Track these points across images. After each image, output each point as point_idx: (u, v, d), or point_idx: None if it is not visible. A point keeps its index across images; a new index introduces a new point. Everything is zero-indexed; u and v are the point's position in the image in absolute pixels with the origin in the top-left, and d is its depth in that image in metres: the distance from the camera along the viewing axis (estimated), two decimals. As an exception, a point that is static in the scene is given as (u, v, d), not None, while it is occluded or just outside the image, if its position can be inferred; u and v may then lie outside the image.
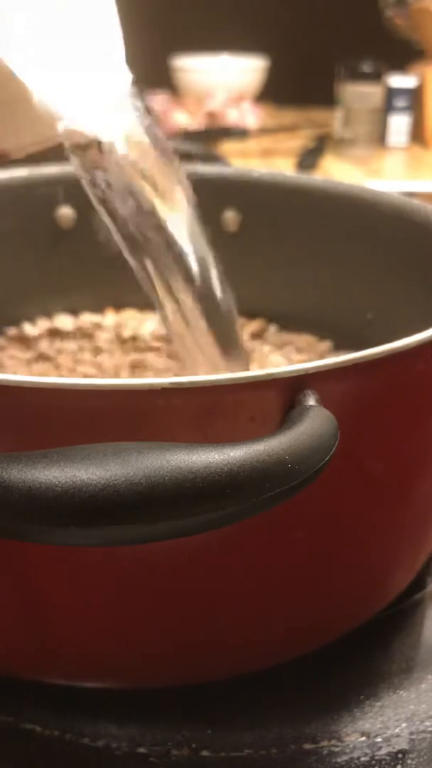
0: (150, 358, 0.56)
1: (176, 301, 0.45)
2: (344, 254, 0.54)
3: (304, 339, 0.57)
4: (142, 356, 0.56)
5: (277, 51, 1.57)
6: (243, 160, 1.26)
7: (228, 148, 1.31)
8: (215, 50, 1.56)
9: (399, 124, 1.38)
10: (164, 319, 0.46)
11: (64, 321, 0.59)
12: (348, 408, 0.31)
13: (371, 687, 0.39)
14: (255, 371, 0.28)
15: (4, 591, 0.34)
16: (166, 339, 0.55)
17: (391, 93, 1.35)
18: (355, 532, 0.35)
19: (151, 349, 0.57)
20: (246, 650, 0.37)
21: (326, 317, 0.56)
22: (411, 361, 0.32)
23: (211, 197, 0.56)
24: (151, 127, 0.41)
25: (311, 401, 0.28)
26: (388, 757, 0.35)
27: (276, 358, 0.56)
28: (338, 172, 1.27)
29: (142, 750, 0.35)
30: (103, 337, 0.57)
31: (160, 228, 0.43)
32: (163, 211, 0.43)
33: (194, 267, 0.44)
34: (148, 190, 0.42)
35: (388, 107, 1.36)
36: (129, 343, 0.57)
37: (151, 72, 1.41)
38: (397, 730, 0.36)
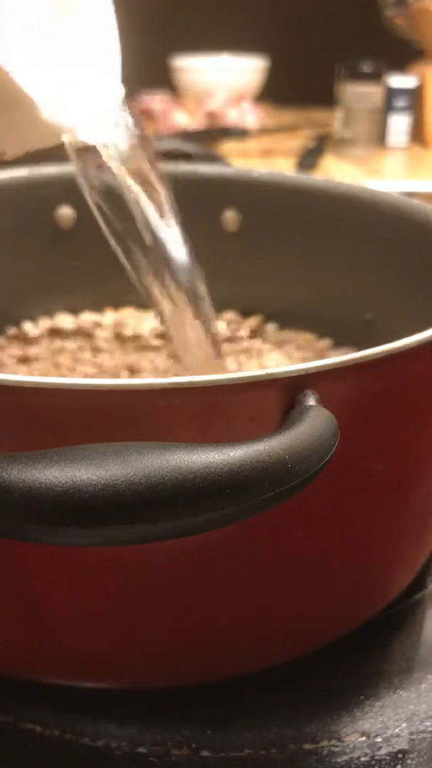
0: (150, 357, 0.56)
1: (171, 300, 0.45)
2: (344, 254, 0.54)
3: (304, 337, 0.57)
4: (142, 355, 0.56)
5: (277, 51, 1.57)
6: (243, 160, 1.26)
7: (228, 148, 1.31)
8: (215, 50, 1.55)
9: (399, 124, 1.38)
10: (161, 318, 0.47)
11: (65, 320, 0.59)
12: (348, 408, 0.31)
13: (371, 687, 0.39)
14: (255, 371, 0.28)
15: (4, 591, 0.34)
16: (166, 338, 0.55)
17: (391, 93, 1.35)
18: (355, 532, 0.35)
19: (151, 348, 0.57)
20: (246, 650, 0.37)
21: (326, 317, 0.56)
22: (411, 361, 0.32)
23: (211, 197, 0.56)
24: (141, 134, 0.42)
25: (311, 401, 0.28)
26: (388, 757, 0.35)
27: (275, 356, 0.56)
28: (338, 172, 1.27)
29: (142, 750, 0.35)
30: (103, 337, 0.57)
31: (153, 231, 0.44)
32: (154, 214, 0.43)
33: (182, 269, 0.45)
34: (140, 195, 0.42)
35: (388, 107, 1.36)
36: (129, 342, 0.57)
37: (151, 72, 1.42)
38: (397, 730, 0.36)
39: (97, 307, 0.60)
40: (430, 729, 0.37)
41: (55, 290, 0.59)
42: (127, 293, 0.57)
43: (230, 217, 0.57)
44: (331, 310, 0.55)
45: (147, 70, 1.25)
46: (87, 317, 0.59)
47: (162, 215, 0.44)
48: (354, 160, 1.33)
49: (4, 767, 0.35)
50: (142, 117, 1.40)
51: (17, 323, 0.58)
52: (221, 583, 0.34)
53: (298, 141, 1.41)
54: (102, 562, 0.32)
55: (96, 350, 0.56)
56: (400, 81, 1.36)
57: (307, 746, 0.36)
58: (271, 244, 0.57)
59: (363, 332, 0.53)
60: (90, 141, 0.40)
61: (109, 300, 0.60)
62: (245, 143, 1.36)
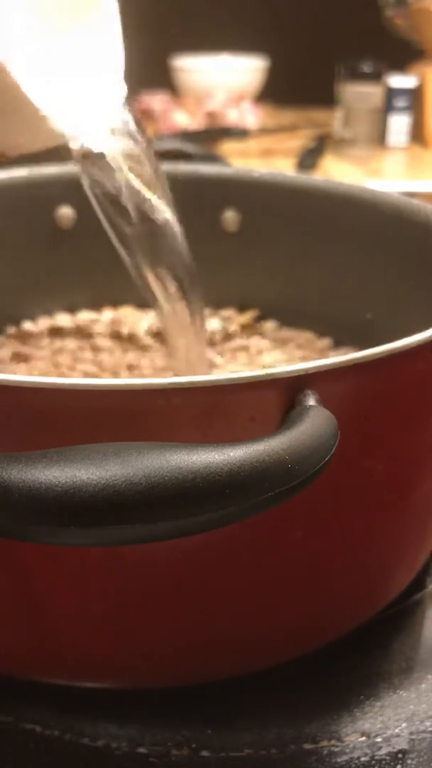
0: (149, 356, 0.56)
1: (169, 299, 0.46)
2: (344, 254, 0.54)
3: (304, 336, 0.57)
4: (142, 354, 0.56)
5: (277, 51, 1.57)
6: (243, 160, 1.26)
7: (228, 148, 1.31)
8: (215, 50, 1.55)
9: (399, 124, 1.38)
10: (160, 316, 0.47)
11: (64, 319, 0.59)
12: (348, 408, 0.31)
13: (371, 687, 0.39)
14: (255, 371, 0.28)
15: (4, 591, 0.34)
16: (164, 336, 0.55)
17: (391, 93, 1.35)
18: (355, 532, 0.35)
19: (150, 347, 0.57)
20: (246, 650, 0.37)
21: (326, 317, 0.56)
22: (411, 361, 0.32)
23: (211, 197, 0.56)
24: (142, 136, 0.42)
25: (311, 401, 0.28)
26: (388, 757, 0.35)
27: (276, 354, 0.56)
28: (338, 172, 1.27)
29: (142, 750, 0.35)
30: (102, 336, 0.57)
31: (155, 230, 0.44)
32: (155, 215, 0.43)
33: (182, 269, 0.45)
34: (143, 195, 0.43)
35: (388, 107, 1.36)
36: (127, 340, 0.57)
37: (151, 72, 1.42)
38: (397, 730, 0.36)
39: (97, 306, 0.60)
40: (430, 729, 0.37)
41: (55, 290, 0.59)
42: (127, 293, 0.57)
43: (230, 217, 0.57)
44: (331, 310, 0.55)
45: (147, 70, 1.25)
46: (85, 315, 0.59)
47: (163, 215, 0.44)
48: (354, 160, 1.33)
49: (4, 767, 0.35)
50: (143, 117, 1.41)
51: (17, 323, 0.58)
52: (221, 583, 0.34)
53: (298, 141, 1.41)
54: (102, 562, 0.32)
55: (96, 349, 0.56)
56: (400, 81, 1.36)
57: (307, 746, 0.36)
58: (271, 244, 0.57)
59: (363, 332, 0.53)
60: (93, 146, 0.41)
61: (109, 300, 0.60)
62: (245, 143, 1.36)
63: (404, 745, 0.36)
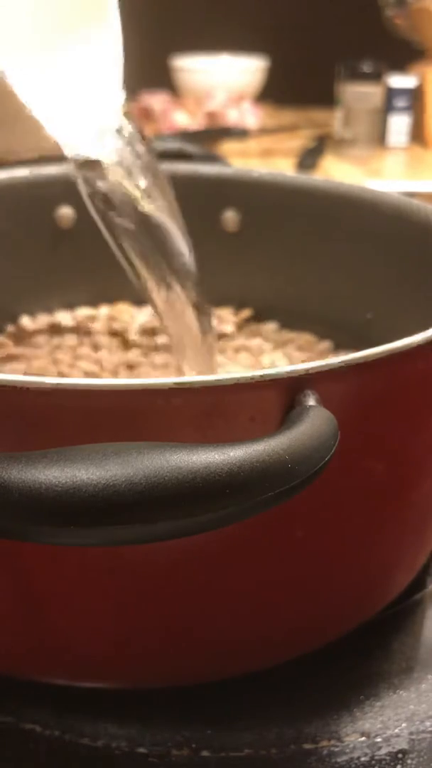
0: (148, 354, 0.56)
1: (168, 297, 0.46)
2: (344, 254, 0.54)
3: (305, 338, 0.57)
4: (141, 352, 0.56)
5: (277, 51, 1.57)
6: (243, 160, 1.26)
7: (228, 148, 1.31)
8: (215, 50, 1.55)
9: (399, 124, 1.38)
10: (157, 315, 0.47)
11: (63, 317, 0.59)
12: (348, 408, 0.31)
13: (371, 687, 0.39)
14: (255, 371, 0.28)
15: (4, 591, 0.34)
16: (162, 334, 0.55)
17: (391, 93, 1.35)
18: (355, 532, 0.35)
19: (149, 345, 0.57)
20: (246, 650, 0.37)
21: (326, 317, 0.56)
22: (411, 361, 0.32)
23: (211, 197, 0.56)
24: (141, 140, 0.42)
25: (311, 401, 0.28)
26: (388, 757, 0.35)
27: (276, 355, 0.56)
28: (338, 172, 1.27)
29: (142, 750, 0.35)
30: (101, 333, 0.57)
31: (153, 235, 0.44)
32: (155, 218, 0.43)
33: (182, 268, 0.45)
34: (141, 202, 0.43)
35: (388, 107, 1.36)
36: (124, 337, 0.57)
37: (151, 72, 1.42)
38: (397, 730, 0.36)
39: (97, 306, 0.60)
40: (430, 729, 0.37)
41: (55, 290, 0.59)
42: (127, 293, 0.57)
43: (230, 217, 0.57)
44: (331, 310, 0.55)
45: (147, 70, 1.25)
46: (83, 311, 0.59)
47: (161, 220, 0.44)
48: (354, 160, 1.33)
49: (4, 767, 0.35)
50: (142, 117, 1.41)
51: (16, 321, 0.58)
52: (221, 583, 0.34)
53: (298, 141, 1.41)
54: (102, 562, 0.32)
55: (95, 347, 0.56)
56: (400, 81, 1.36)
57: (307, 746, 0.36)
58: (271, 244, 0.57)
59: (363, 332, 0.53)
60: (90, 154, 0.41)
61: (109, 299, 0.60)
62: (245, 143, 1.36)
63: (404, 745, 0.36)
